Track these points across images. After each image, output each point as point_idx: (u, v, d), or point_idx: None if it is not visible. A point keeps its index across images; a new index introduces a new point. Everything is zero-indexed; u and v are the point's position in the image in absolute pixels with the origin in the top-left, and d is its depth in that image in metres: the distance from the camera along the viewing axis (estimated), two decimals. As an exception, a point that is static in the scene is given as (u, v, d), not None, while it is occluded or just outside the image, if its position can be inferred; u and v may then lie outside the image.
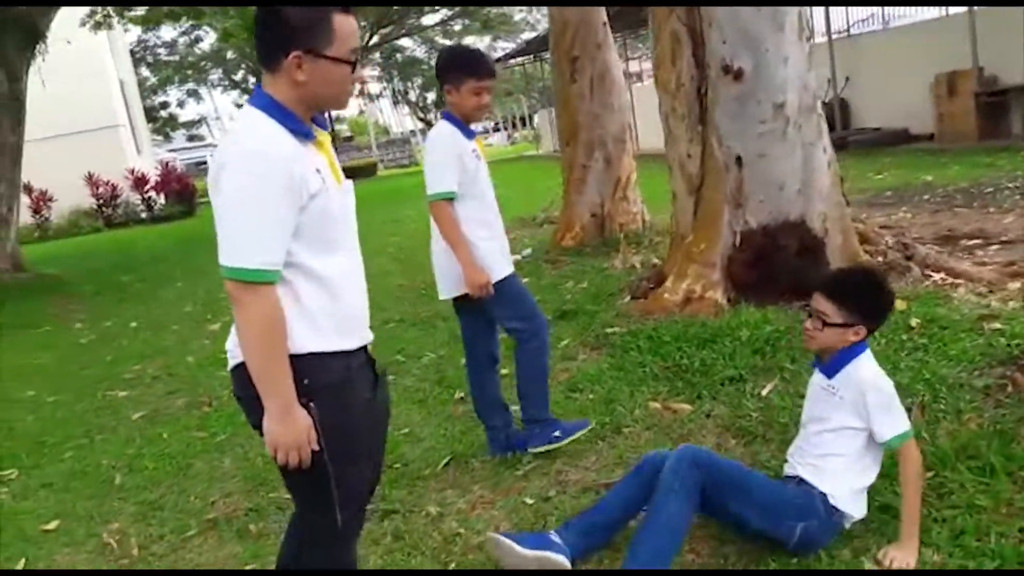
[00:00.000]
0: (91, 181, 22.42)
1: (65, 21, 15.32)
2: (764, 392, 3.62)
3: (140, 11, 18.81)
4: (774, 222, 4.86)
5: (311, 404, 1.82)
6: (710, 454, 2.58)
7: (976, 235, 6.02)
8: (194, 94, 32.34)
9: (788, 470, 2.59)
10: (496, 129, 60.16)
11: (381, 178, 29.57)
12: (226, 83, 31.27)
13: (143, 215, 23.40)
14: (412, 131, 46.79)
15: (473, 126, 3.38)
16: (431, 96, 43.47)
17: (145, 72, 31.56)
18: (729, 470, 2.50)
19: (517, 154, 31.35)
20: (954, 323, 3.94)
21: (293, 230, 1.78)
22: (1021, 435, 2.87)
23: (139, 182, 23.19)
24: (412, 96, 38.57)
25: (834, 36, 16.10)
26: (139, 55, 30.30)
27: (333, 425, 1.85)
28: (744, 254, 4.94)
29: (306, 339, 1.83)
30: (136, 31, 27.53)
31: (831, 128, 16.33)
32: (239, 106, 36.18)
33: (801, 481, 2.49)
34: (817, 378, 2.55)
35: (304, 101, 1.83)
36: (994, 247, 5.67)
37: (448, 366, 4.82)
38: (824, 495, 2.43)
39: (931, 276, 4.71)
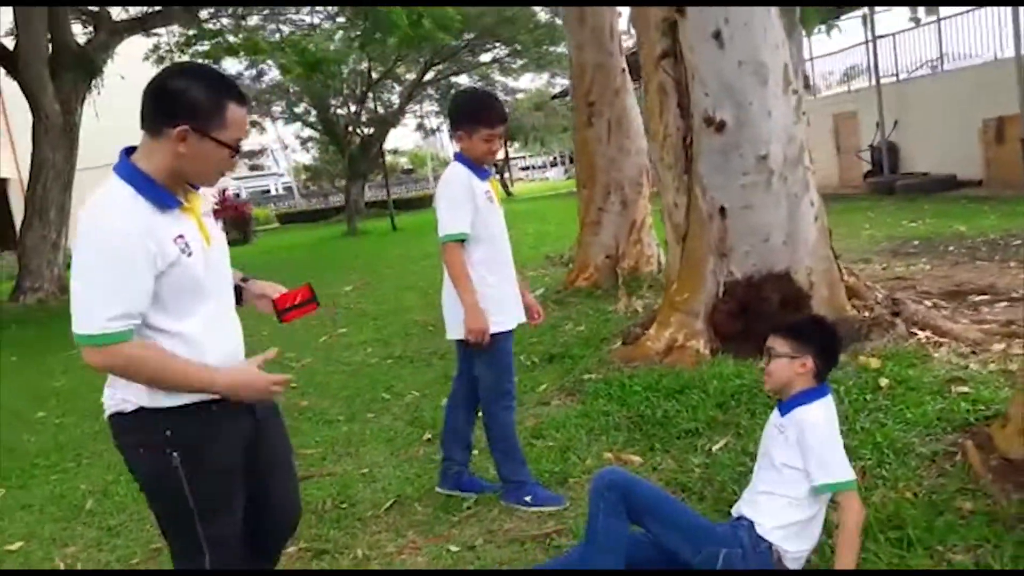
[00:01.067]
0: (151, 207, 23.39)
1: (128, 56, 16.14)
2: (714, 448, 3.59)
3: (203, 47, 19.70)
4: (758, 273, 4.83)
5: (174, 454, 1.90)
6: (627, 475, 2.58)
7: (986, 291, 5.85)
8: (256, 125, 33.43)
9: (733, 510, 2.59)
10: (554, 164, 60.58)
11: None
12: (287, 116, 32.18)
13: (200, 241, 24.21)
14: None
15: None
16: (486, 131, 43.89)
17: (211, 104, 32.69)
18: (648, 491, 2.52)
19: (569, 190, 31.53)
20: (923, 385, 3.85)
21: (151, 293, 1.84)
22: (954, 507, 2.80)
23: (197, 209, 24.07)
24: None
25: (884, 81, 15.89)
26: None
27: (198, 477, 1.93)
28: (728, 305, 4.91)
29: (163, 395, 1.89)
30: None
31: (879, 171, 16.16)
32: (299, 138, 37.23)
33: (739, 518, 2.49)
34: (773, 416, 2.56)
35: (174, 172, 1.89)
36: (1001, 304, 5.50)
37: (427, 406, 4.88)
38: (751, 523, 2.42)
39: (916, 334, 4.59)
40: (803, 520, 2.42)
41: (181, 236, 1.89)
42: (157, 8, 14.96)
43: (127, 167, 1.88)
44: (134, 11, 15.73)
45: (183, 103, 1.85)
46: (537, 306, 3.57)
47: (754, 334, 4.79)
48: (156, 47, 18.62)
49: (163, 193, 1.88)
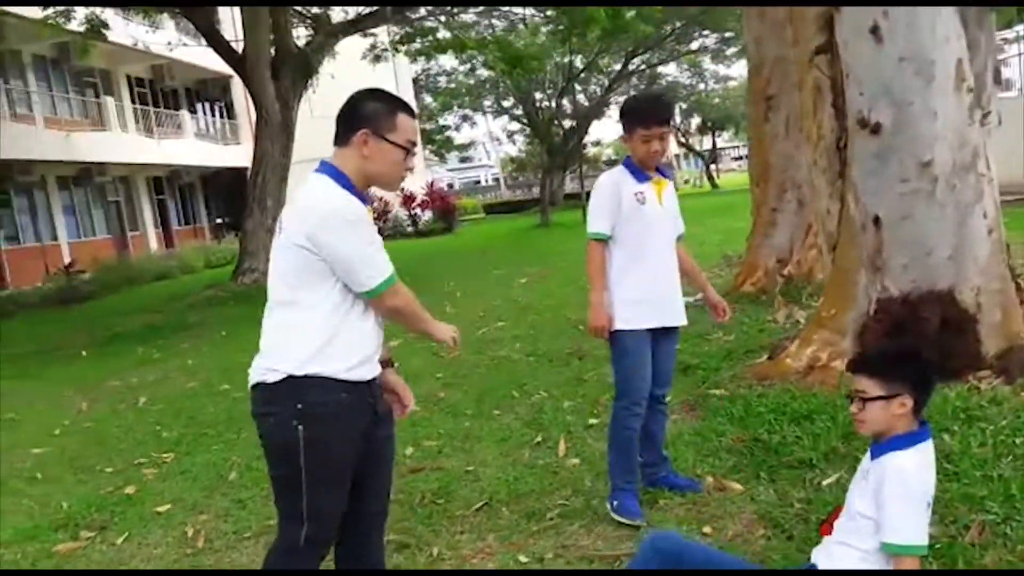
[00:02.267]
0: (365, 198, 25.29)
1: (346, 55, 17.45)
2: (824, 482, 3.31)
3: (416, 45, 20.86)
4: (917, 290, 4.36)
5: (300, 427, 2.15)
6: (679, 542, 2.47)
7: None
8: (467, 119, 34.91)
9: (812, 555, 2.42)
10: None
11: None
12: (495, 109, 33.26)
13: (409, 229, 25.90)
14: (676, 155, 46.56)
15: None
16: (695, 121, 42.87)
17: (428, 99, 34.46)
18: (702, 557, 2.41)
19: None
20: (1094, 434, 3.30)
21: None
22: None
23: (407, 200, 25.67)
24: (675, 121, 38.38)
25: None
26: (423, 83, 33.21)
27: (317, 449, 2.17)
28: (880, 324, 4.47)
29: (306, 361, 2.17)
30: (422, 61, 30.14)
31: None
32: (506, 131, 38.32)
33: (812, 567, 2.33)
34: (864, 459, 2.35)
35: (364, 173, 2.27)
36: None
37: (548, 408, 4.90)
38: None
39: (1107, 372, 3.94)
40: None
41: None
42: (371, 9, 16.01)
43: (330, 168, 2.27)
44: (351, 12, 16.97)
45: (363, 114, 2.28)
46: (722, 303, 3.67)
47: (908, 358, 4.37)
48: (373, 46, 20.00)
49: (358, 192, 2.26)
